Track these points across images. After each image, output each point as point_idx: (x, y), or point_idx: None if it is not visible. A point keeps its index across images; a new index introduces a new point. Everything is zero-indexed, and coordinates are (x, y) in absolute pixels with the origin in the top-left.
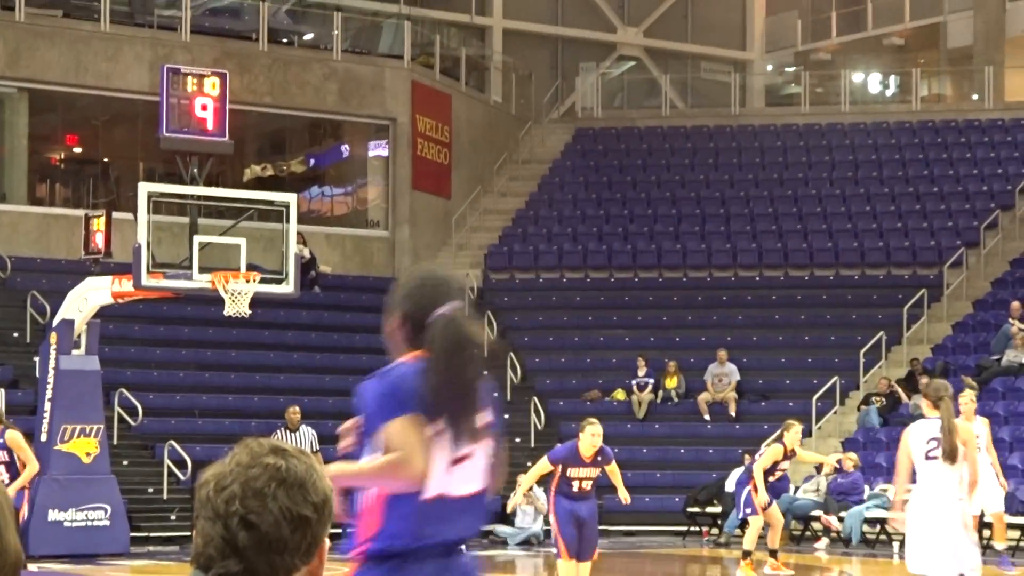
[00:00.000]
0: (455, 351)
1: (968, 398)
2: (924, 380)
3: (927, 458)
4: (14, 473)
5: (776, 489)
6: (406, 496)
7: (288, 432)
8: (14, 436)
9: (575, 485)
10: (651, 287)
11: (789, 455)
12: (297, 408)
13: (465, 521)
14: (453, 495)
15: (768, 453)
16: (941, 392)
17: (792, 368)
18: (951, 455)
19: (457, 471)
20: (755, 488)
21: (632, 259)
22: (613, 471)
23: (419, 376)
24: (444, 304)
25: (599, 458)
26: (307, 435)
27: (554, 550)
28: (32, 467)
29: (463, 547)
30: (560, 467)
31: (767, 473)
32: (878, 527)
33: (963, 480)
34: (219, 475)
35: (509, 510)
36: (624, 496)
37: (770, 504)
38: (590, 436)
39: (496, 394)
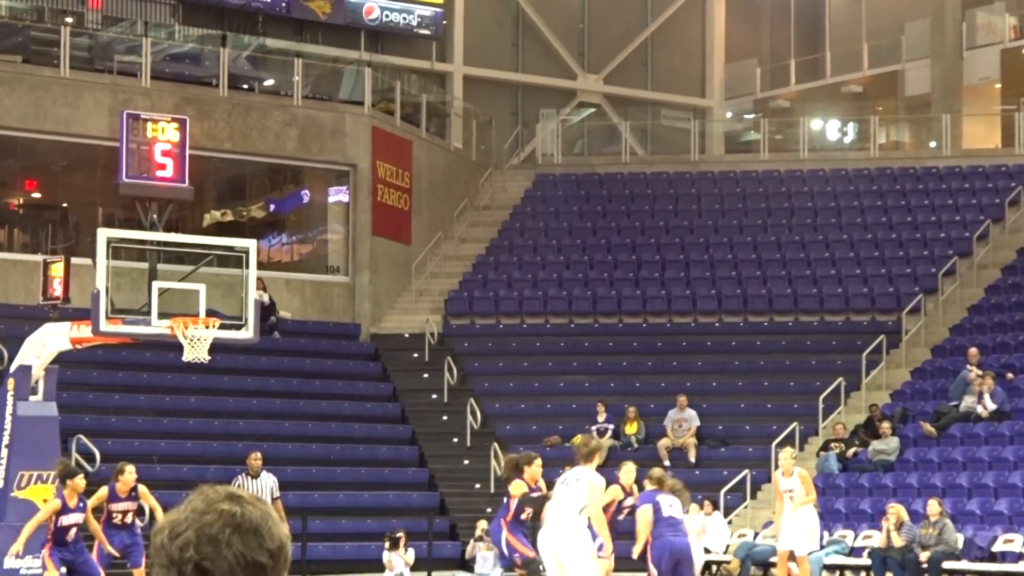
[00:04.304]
0: None
1: (786, 455)
2: (885, 426)
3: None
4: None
5: (620, 528)
6: None
7: (249, 478)
8: (144, 488)
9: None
10: (611, 333)
11: (628, 492)
12: (259, 454)
13: None
14: None
15: (609, 492)
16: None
17: (751, 414)
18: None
19: None
20: (599, 530)
21: (592, 305)
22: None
23: None
24: None
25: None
26: (267, 481)
27: None
28: (159, 511)
29: None
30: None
31: (609, 511)
32: (837, 573)
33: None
34: (174, 522)
35: (468, 555)
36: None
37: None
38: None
39: None
